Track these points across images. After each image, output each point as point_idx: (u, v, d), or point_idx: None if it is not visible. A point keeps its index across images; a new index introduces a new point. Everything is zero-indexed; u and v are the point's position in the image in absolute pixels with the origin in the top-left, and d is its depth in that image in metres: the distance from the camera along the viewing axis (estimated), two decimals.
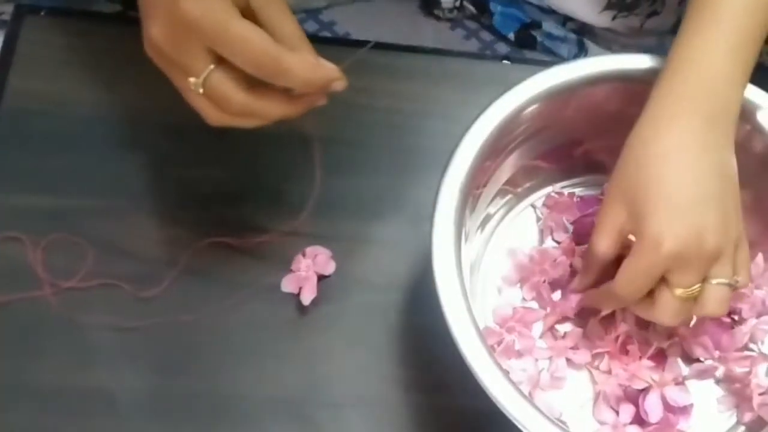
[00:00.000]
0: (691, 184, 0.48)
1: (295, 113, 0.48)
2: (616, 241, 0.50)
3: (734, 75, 0.50)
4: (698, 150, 0.49)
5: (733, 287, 0.49)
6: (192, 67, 0.45)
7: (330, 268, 0.58)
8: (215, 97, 0.46)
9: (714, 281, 0.48)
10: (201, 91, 0.46)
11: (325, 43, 0.72)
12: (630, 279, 0.49)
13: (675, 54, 0.51)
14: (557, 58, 0.75)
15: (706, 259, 0.48)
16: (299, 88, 0.47)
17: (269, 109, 0.47)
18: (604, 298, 0.53)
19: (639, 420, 0.54)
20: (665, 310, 0.49)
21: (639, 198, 0.48)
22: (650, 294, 0.49)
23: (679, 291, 0.48)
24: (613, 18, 0.75)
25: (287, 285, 0.57)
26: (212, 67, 0.45)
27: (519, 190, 0.61)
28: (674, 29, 0.76)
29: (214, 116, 0.47)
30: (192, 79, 0.45)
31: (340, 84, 0.47)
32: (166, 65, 0.47)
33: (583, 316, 0.58)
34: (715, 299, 0.49)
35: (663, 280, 0.48)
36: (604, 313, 0.56)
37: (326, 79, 0.46)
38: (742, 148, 0.58)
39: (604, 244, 0.50)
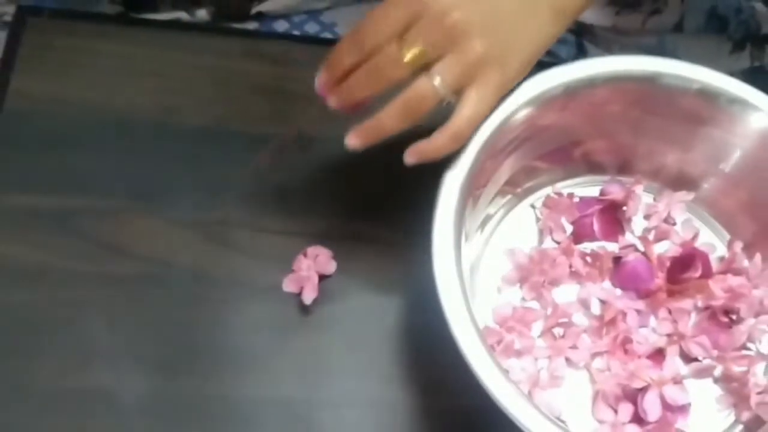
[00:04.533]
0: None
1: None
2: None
3: None
4: None
5: (440, 96, 0.49)
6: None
7: (331, 267, 0.58)
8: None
9: (430, 74, 0.49)
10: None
11: (326, 44, 0.73)
12: (379, 12, 0.49)
13: None
14: (556, 60, 0.75)
15: (444, 30, 0.48)
16: None
17: None
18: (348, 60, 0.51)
19: (638, 419, 0.54)
20: (386, 66, 0.49)
21: None
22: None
23: (406, 51, 0.48)
24: (616, 14, 0.75)
25: (288, 285, 0.57)
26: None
27: (519, 190, 0.61)
28: (676, 28, 0.77)
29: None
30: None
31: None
32: None
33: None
34: (419, 87, 0.49)
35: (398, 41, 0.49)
36: None
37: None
38: (738, 149, 0.59)
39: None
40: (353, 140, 0.51)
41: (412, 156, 0.51)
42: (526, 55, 0.51)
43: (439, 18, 0.49)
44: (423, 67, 0.49)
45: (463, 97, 0.50)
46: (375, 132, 0.51)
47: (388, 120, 0.50)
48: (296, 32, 0.76)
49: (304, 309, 0.58)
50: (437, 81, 0.49)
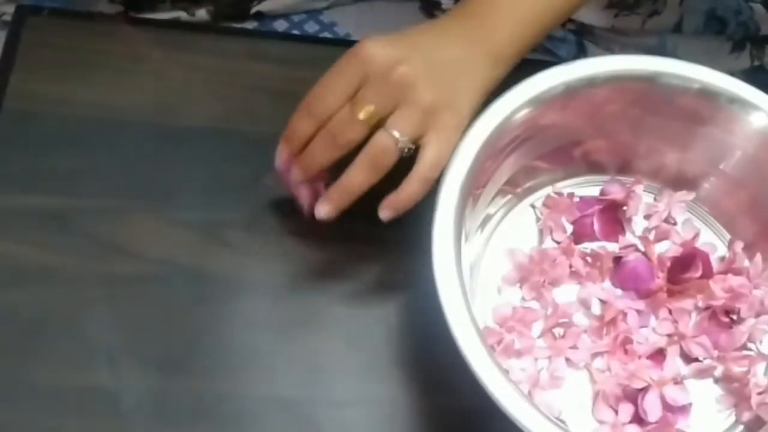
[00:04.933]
0: (436, 51, 0.53)
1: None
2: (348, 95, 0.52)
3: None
4: (463, 45, 0.54)
5: (399, 146, 0.52)
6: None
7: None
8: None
9: (386, 128, 0.51)
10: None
11: (325, 44, 0.73)
12: (326, 79, 0.52)
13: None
14: (557, 59, 0.75)
15: (391, 86, 0.51)
16: None
17: None
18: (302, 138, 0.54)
19: (638, 419, 0.54)
20: (342, 128, 0.51)
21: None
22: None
23: (358, 110, 0.51)
24: (615, 16, 0.75)
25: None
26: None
27: (519, 190, 0.61)
28: (675, 29, 0.77)
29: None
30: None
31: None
32: None
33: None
34: (378, 142, 0.52)
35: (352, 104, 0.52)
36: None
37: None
38: (739, 148, 0.59)
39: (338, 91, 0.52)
40: (324, 208, 0.54)
41: (386, 211, 0.53)
42: (473, 96, 0.54)
43: (385, 75, 0.51)
44: (378, 123, 0.52)
45: (424, 143, 0.52)
46: (345, 193, 0.53)
47: (356, 178, 0.52)
48: (296, 32, 0.76)
49: (303, 309, 0.58)
50: (396, 133, 0.51)
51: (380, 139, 0.52)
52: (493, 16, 0.55)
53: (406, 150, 0.52)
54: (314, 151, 0.53)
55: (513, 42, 0.55)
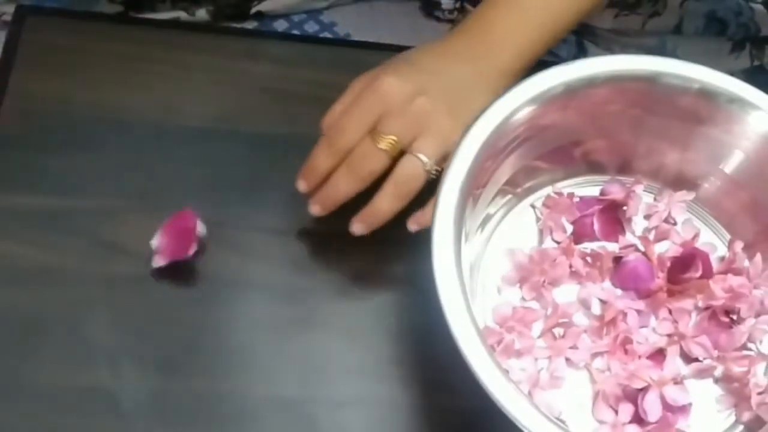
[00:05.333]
0: (447, 73, 0.55)
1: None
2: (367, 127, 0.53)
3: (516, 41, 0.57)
4: (470, 62, 0.56)
5: (426, 169, 0.53)
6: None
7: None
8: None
9: (411, 153, 0.53)
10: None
11: (325, 44, 0.73)
12: (346, 114, 0.53)
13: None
14: (557, 59, 0.75)
15: (411, 116, 0.52)
16: None
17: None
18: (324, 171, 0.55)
19: (638, 419, 0.54)
20: (364, 159, 0.53)
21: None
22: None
23: (379, 141, 0.52)
24: (615, 16, 0.75)
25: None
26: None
27: (519, 190, 0.61)
28: (676, 30, 0.77)
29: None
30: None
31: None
32: None
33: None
34: (405, 167, 0.53)
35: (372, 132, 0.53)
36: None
37: None
38: (739, 148, 0.59)
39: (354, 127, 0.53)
40: (358, 227, 0.55)
41: (414, 225, 0.55)
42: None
43: (404, 108, 0.52)
44: (399, 152, 0.53)
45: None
46: (374, 217, 0.55)
47: (384, 203, 0.54)
48: (296, 32, 0.76)
49: (303, 308, 0.58)
50: (422, 156, 0.53)
51: (407, 163, 0.53)
52: (496, 33, 0.56)
53: (433, 172, 0.53)
54: (336, 184, 0.54)
55: (519, 56, 0.57)
